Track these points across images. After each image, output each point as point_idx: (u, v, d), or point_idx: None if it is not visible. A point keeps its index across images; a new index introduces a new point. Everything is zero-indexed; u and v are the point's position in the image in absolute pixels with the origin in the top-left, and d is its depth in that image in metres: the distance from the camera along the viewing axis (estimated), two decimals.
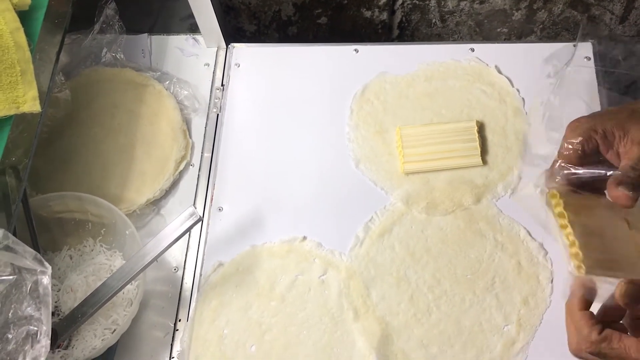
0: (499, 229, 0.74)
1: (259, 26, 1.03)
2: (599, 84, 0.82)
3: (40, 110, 0.59)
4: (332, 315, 0.71)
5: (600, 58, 0.93)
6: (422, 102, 0.82)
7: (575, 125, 0.53)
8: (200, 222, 0.77)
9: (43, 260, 0.58)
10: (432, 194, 0.76)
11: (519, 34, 1.05)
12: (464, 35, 1.06)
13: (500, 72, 0.83)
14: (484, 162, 0.78)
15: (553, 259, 0.72)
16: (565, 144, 0.53)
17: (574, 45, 0.84)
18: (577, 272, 0.48)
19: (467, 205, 0.76)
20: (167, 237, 0.67)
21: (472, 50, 0.85)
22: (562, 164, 0.53)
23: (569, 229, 0.49)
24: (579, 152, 0.53)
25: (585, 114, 0.55)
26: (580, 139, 0.52)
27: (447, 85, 0.83)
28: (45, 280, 0.57)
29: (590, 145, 0.53)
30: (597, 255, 0.49)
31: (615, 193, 0.49)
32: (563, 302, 0.67)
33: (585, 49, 0.84)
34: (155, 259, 0.66)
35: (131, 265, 0.66)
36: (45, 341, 0.55)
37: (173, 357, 0.71)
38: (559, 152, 0.54)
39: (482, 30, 1.04)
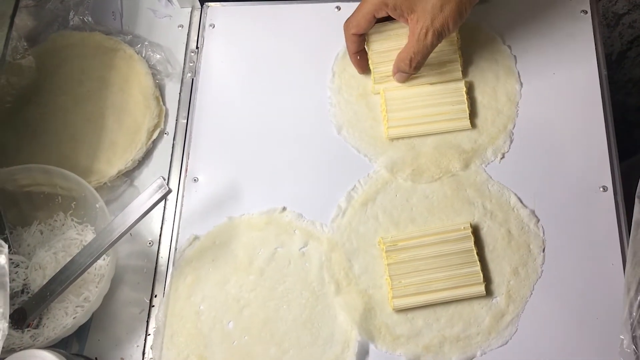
0: (487, 195, 0.70)
1: None
2: (597, 41, 0.77)
3: None
4: (313, 289, 0.68)
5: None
6: None
7: None
8: (174, 194, 0.74)
9: None
10: (418, 160, 0.72)
11: None
12: None
13: (491, 28, 0.78)
14: (473, 125, 0.73)
15: (545, 227, 0.69)
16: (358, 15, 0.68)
17: None
18: None
19: (455, 171, 0.72)
20: (135, 211, 0.63)
21: None
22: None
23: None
24: (368, 17, 0.68)
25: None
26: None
27: None
28: (2, 259, 0.54)
29: (380, 13, 0.67)
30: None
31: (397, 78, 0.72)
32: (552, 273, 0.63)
33: (582, 2, 0.79)
34: (124, 234, 0.63)
35: (100, 241, 0.63)
36: (2, 324, 0.53)
37: (149, 334, 0.68)
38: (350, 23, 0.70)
39: None
